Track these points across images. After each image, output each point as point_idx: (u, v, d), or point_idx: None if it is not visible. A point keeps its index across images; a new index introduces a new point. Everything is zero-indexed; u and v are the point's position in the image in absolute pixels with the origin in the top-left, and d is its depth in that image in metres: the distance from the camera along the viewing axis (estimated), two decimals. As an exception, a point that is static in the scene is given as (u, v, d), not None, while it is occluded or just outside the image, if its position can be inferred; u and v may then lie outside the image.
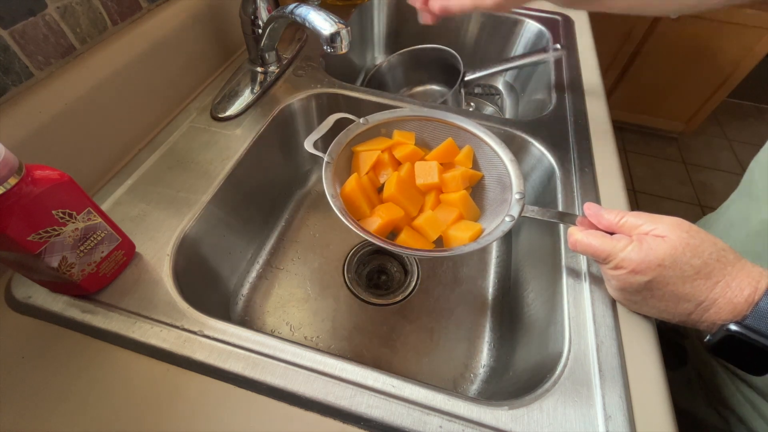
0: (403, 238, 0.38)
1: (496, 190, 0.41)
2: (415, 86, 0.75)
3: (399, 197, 0.40)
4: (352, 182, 0.39)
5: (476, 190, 0.43)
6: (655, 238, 0.29)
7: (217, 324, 0.32)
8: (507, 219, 0.36)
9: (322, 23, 0.41)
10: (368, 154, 0.42)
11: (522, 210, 0.36)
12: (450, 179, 0.41)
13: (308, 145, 0.41)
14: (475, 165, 0.43)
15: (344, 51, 0.44)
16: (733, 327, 0.26)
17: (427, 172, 0.41)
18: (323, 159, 0.40)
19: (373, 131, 0.44)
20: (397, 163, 0.43)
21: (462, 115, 0.44)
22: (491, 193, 0.42)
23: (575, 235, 0.33)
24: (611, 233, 0.32)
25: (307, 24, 0.42)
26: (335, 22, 0.41)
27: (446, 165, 0.43)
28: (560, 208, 0.43)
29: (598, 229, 0.33)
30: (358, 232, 0.35)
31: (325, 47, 0.43)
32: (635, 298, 0.32)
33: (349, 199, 0.39)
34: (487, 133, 0.42)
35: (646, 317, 0.34)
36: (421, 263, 0.54)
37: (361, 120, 0.43)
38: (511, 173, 0.39)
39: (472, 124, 0.43)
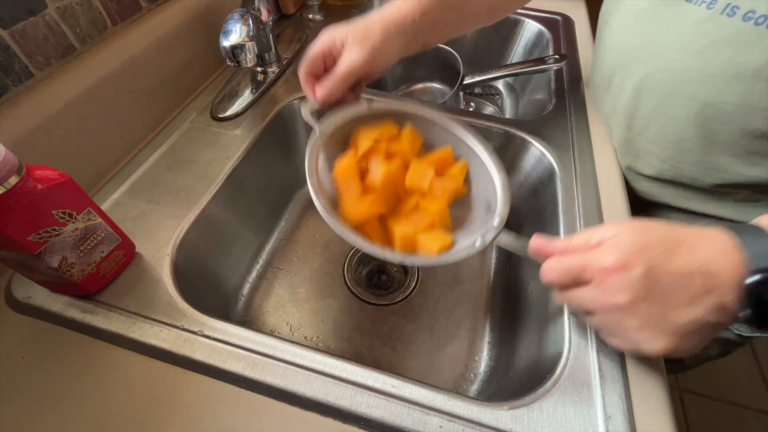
0: (367, 230, 0.37)
1: (480, 208, 0.40)
2: (415, 84, 0.75)
3: (381, 192, 0.38)
4: (349, 161, 0.37)
5: (460, 202, 0.41)
6: (612, 237, 0.28)
7: (217, 324, 0.32)
8: (477, 244, 0.34)
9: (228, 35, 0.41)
10: (367, 139, 0.40)
11: (495, 238, 0.35)
12: (439, 189, 0.39)
13: (305, 113, 0.40)
14: (466, 178, 0.42)
15: (250, 65, 0.44)
16: (751, 279, 0.24)
17: (420, 175, 0.40)
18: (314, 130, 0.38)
19: (374, 118, 0.42)
20: (389, 155, 0.41)
21: (461, 124, 0.42)
22: (474, 209, 0.41)
23: (546, 265, 0.30)
24: None
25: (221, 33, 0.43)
26: (243, 34, 0.41)
27: (436, 173, 0.41)
28: (560, 208, 0.43)
29: None
30: (330, 224, 0.33)
31: (227, 61, 0.42)
32: (657, 309, 0.26)
33: (343, 178, 0.37)
34: (487, 150, 0.41)
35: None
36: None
37: (366, 103, 0.42)
38: (499, 197, 0.37)
39: (473, 140, 0.41)
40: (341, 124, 0.40)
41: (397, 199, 0.40)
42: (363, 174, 0.40)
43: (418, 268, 0.53)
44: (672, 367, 0.65)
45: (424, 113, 0.43)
